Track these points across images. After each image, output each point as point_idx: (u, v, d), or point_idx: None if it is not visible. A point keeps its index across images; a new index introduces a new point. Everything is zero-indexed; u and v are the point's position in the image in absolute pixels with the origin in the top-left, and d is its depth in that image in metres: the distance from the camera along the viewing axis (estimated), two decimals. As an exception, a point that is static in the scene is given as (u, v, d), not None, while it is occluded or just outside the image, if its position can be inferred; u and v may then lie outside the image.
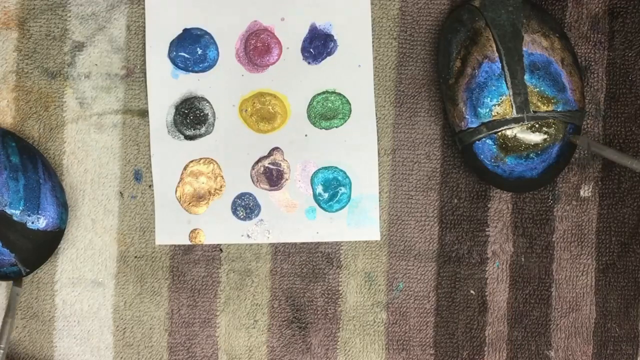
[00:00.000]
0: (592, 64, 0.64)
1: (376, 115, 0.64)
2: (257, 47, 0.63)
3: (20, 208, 0.60)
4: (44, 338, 0.64)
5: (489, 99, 0.60)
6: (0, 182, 0.60)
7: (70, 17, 0.63)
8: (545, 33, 0.61)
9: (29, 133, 0.63)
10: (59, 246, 0.63)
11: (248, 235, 0.64)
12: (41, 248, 0.61)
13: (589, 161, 0.65)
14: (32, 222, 0.60)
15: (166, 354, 0.64)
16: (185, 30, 0.63)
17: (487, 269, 0.65)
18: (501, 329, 0.65)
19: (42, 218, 0.60)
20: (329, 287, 0.65)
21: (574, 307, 0.65)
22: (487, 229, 0.65)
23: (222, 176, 0.64)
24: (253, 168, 0.64)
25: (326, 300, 0.65)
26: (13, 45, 0.63)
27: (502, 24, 0.61)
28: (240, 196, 0.64)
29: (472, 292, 0.65)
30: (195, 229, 0.64)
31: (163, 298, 0.64)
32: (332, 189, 0.64)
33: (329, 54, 0.64)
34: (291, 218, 0.64)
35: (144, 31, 0.63)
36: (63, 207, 0.61)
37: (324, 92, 0.64)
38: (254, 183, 0.64)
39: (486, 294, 0.65)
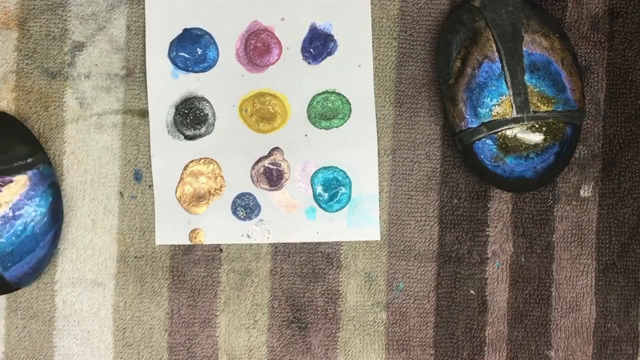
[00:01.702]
0: (592, 64, 0.64)
1: (376, 115, 0.64)
2: (257, 47, 0.63)
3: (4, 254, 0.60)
4: (44, 338, 0.64)
5: (489, 99, 0.60)
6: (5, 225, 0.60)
7: (70, 17, 0.63)
8: (545, 33, 0.61)
9: (29, 133, 0.63)
10: (59, 246, 0.63)
11: (248, 235, 0.64)
12: None
13: (589, 161, 0.65)
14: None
15: (166, 354, 0.64)
16: (185, 30, 0.63)
17: (487, 269, 0.65)
18: (501, 329, 0.65)
19: (12, 270, 0.60)
20: (329, 287, 0.65)
21: (574, 307, 0.65)
22: (487, 229, 0.65)
23: (222, 176, 0.64)
24: (253, 168, 0.64)
25: (326, 300, 0.65)
26: (13, 45, 0.63)
27: (502, 24, 0.61)
28: (240, 196, 0.64)
29: (472, 292, 0.65)
30: (195, 229, 0.64)
31: (163, 298, 0.64)
32: (332, 189, 0.64)
33: (329, 54, 0.64)
34: (291, 218, 0.64)
35: (144, 31, 0.63)
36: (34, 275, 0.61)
37: (324, 92, 0.64)
38: (254, 183, 0.64)
39: (486, 294, 0.65)
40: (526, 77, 0.60)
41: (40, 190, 0.60)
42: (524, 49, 0.60)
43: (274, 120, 0.64)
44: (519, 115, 0.60)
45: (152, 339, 0.64)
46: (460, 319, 0.65)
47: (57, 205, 0.61)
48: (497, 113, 0.60)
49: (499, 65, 0.60)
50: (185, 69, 0.63)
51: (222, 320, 0.64)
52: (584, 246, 0.65)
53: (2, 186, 0.59)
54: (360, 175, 0.64)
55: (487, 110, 0.61)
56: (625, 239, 0.65)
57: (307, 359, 0.65)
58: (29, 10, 0.63)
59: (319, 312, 0.65)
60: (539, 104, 0.60)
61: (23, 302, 0.64)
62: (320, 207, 0.64)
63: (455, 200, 0.65)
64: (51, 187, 0.61)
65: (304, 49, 0.64)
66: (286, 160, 0.64)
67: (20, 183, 0.59)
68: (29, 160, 0.60)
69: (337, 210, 0.64)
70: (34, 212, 0.60)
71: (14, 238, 0.59)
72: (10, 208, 0.59)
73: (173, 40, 0.63)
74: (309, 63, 0.64)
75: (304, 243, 0.64)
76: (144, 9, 0.63)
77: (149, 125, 0.64)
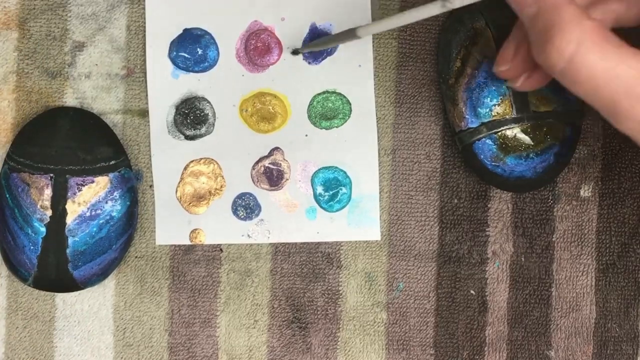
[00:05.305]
0: (592, 64, 0.64)
1: (376, 115, 0.64)
2: (258, 47, 0.64)
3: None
4: (44, 338, 0.64)
5: (489, 99, 0.61)
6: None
7: (70, 17, 0.63)
8: (545, 33, 0.61)
9: (29, 133, 0.63)
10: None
11: (248, 235, 0.64)
12: None
13: (589, 161, 0.65)
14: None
15: (166, 354, 0.64)
16: (185, 30, 0.63)
17: (487, 269, 0.65)
18: (501, 329, 0.65)
19: (82, 270, 0.60)
20: (329, 287, 0.65)
21: (574, 307, 0.65)
22: (487, 229, 0.65)
23: (222, 176, 0.64)
24: (253, 168, 0.64)
25: (326, 300, 0.65)
26: (13, 45, 0.63)
27: (502, 24, 0.61)
28: (241, 196, 0.64)
29: (472, 292, 0.65)
30: (196, 229, 0.64)
31: (163, 298, 0.64)
32: (332, 189, 0.64)
33: (329, 54, 0.64)
34: (291, 218, 0.64)
35: (144, 31, 0.63)
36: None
37: (324, 92, 0.64)
38: (254, 183, 0.64)
39: (486, 294, 0.65)
40: (526, 77, 0.60)
41: (119, 193, 0.60)
42: (524, 49, 0.60)
43: (274, 120, 0.64)
44: (519, 115, 0.60)
45: (152, 339, 0.64)
46: (460, 319, 0.65)
47: (133, 209, 0.61)
48: (497, 113, 0.61)
49: (499, 65, 0.60)
50: (186, 69, 0.63)
51: (222, 320, 0.64)
52: (584, 246, 0.65)
53: (83, 186, 0.59)
54: (360, 175, 0.64)
55: (487, 110, 0.61)
56: (625, 239, 0.65)
57: (307, 359, 0.65)
58: (29, 10, 0.63)
59: (319, 312, 0.65)
60: (539, 104, 0.60)
61: (23, 303, 0.64)
62: (321, 207, 0.64)
63: (455, 200, 0.65)
64: (129, 191, 0.61)
65: (304, 49, 0.64)
66: (286, 160, 0.64)
67: (101, 184, 0.59)
68: (112, 162, 0.60)
69: (337, 210, 0.64)
70: (111, 214, 0.60)
71: (88, 238, 0.59)
72: (88, 208, 0.59)
73: (173, 40, 0.63)
74: (309, 63, 0.64)
75: (304, 243, 0.64)
76: (144, 9, 0.63)
77: (149, 125, 0.64)
